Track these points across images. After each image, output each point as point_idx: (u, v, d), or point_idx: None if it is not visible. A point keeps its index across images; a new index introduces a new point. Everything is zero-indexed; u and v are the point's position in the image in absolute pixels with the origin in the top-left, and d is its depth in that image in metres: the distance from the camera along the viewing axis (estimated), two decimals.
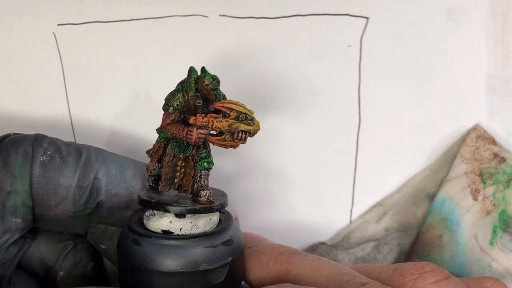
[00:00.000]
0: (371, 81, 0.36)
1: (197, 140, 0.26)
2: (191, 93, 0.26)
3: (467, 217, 0.34)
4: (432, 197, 0.37)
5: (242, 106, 0.26)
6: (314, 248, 0.38)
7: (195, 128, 0.25)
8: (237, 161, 0.37)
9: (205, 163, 0.27)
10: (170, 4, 0.35)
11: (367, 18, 0.36)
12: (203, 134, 0.26)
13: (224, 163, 0.37)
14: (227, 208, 0.29)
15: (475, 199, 0.34)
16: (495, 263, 0.33)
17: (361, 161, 0.38)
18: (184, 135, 0.26)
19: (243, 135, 0.26)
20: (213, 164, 0.27)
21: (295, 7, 0.36)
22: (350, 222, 0.38)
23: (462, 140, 0.36)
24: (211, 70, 0.28)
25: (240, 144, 0.26)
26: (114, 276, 0.35)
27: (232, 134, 0.26)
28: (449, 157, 0.37)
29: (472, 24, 0.35)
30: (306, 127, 0.37)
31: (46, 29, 0.35)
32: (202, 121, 0.25)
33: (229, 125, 0.25)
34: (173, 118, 0.26)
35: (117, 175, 0.29)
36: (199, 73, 0.26)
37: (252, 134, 0.26)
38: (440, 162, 0.37)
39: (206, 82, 0.25)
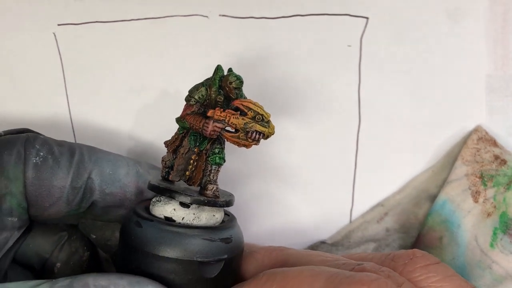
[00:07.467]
0: (371, 81, 0.36)
1: (212, 132, 0.26)
2: (214, 88, 0.27)
3: (467, 219, 0.34)
4: (433, 198, 0.37)
5: (260, 107, 0.27)
6: (314, 248, 0.38)
7: (211, 121, 0.26)
8: (237, 162, 0.37)
9: (217, 158, 0.28)
10: (170, 4, 0.36)
11: (367, 18, 0.36)
12: (219, 128, 0.26)
13: (225, 164, 0.37)
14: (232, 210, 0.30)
15: (476, 201, 0.34)
16: (496, 265, 0.32)
17: (361, 161, 0.37)
18: (201, 126, 0.27)
19: (257, 136, 0.26)
20: (224, 161, 0.28)
21: (295, 7, 0.36)
22: (350, 222, 0.38)
23: (464, 141, 0.36)
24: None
25: (252, 145, 0.27)
26: (107, 263, 0.35)
27: (247, 133, 0.26)
28: (451, 159, 0.37)
29: (472, 24, 0.35)
30: (306, 127, 0.37)
31: (46, 29, 0.36)
32: (219, 115, 0.26)
33: (245, 123, 0.26)
34: (193, 109, 0.27)
35: (111, 175, 0.29)
36: (225, 73, 0.27)
37: (266, 136, 0.27)
38: (442, 163, 0.37)
39: (230, 80, 0.26)
